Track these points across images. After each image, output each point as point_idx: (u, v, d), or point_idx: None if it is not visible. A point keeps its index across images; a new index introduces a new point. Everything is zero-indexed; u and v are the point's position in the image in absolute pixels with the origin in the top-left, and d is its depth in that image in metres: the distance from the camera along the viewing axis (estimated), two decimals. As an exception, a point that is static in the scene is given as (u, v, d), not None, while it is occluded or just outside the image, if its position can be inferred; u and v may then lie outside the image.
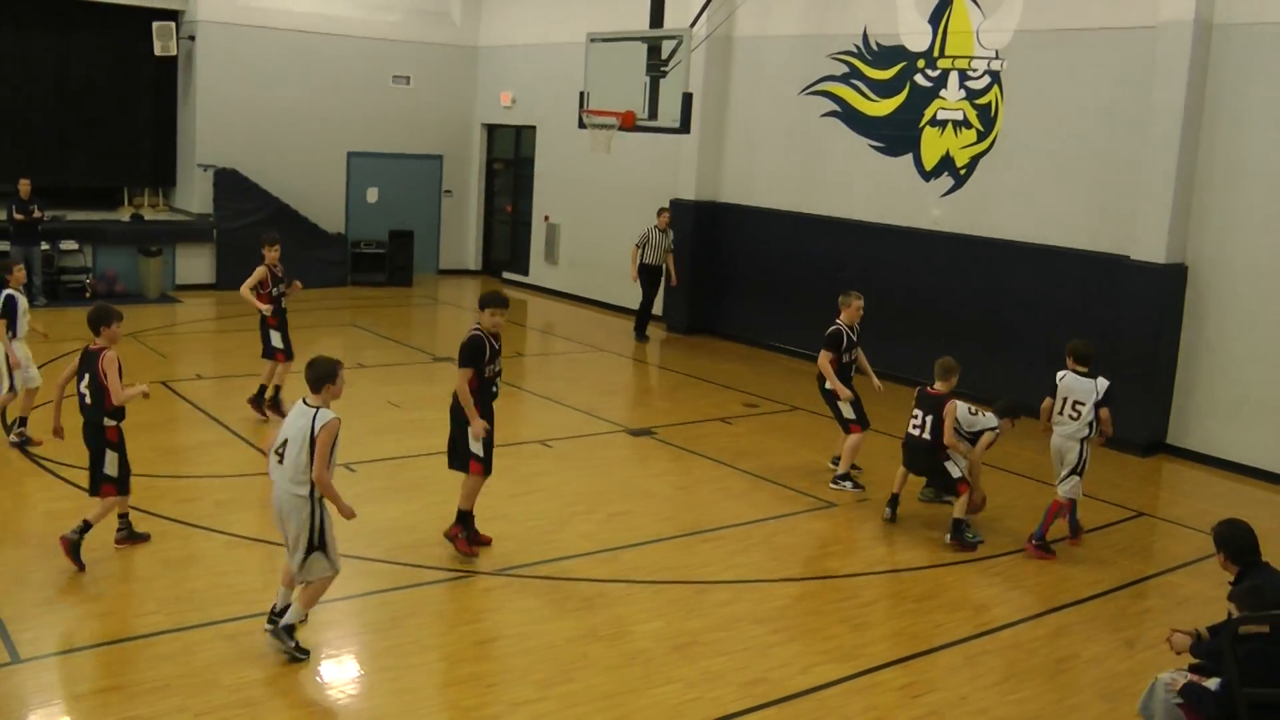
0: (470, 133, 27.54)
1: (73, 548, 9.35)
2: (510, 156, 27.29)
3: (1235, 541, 7.45)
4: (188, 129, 24.22)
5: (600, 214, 24.11)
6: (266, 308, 13.97)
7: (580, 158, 22.64)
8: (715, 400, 16.65)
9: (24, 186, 20.23)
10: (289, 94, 24.60)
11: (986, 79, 16.94)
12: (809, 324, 18.99)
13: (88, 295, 21.38)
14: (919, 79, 17.85)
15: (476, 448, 10.01)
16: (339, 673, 8.15)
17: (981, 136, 17.03)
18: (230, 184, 23.52)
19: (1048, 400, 11.27)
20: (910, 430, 11.49)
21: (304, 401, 8.07)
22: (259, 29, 24.05)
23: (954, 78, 17.37)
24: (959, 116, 17.31)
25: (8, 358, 12.47)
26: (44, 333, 13.27)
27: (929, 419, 11.31)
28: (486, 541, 10.38)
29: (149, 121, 24.60)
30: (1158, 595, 10.53)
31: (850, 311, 12.80)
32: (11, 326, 12.42)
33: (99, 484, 9.61)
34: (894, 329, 17.23)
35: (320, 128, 25.08)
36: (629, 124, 16.71)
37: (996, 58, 16.79)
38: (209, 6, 23.57)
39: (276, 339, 14.18)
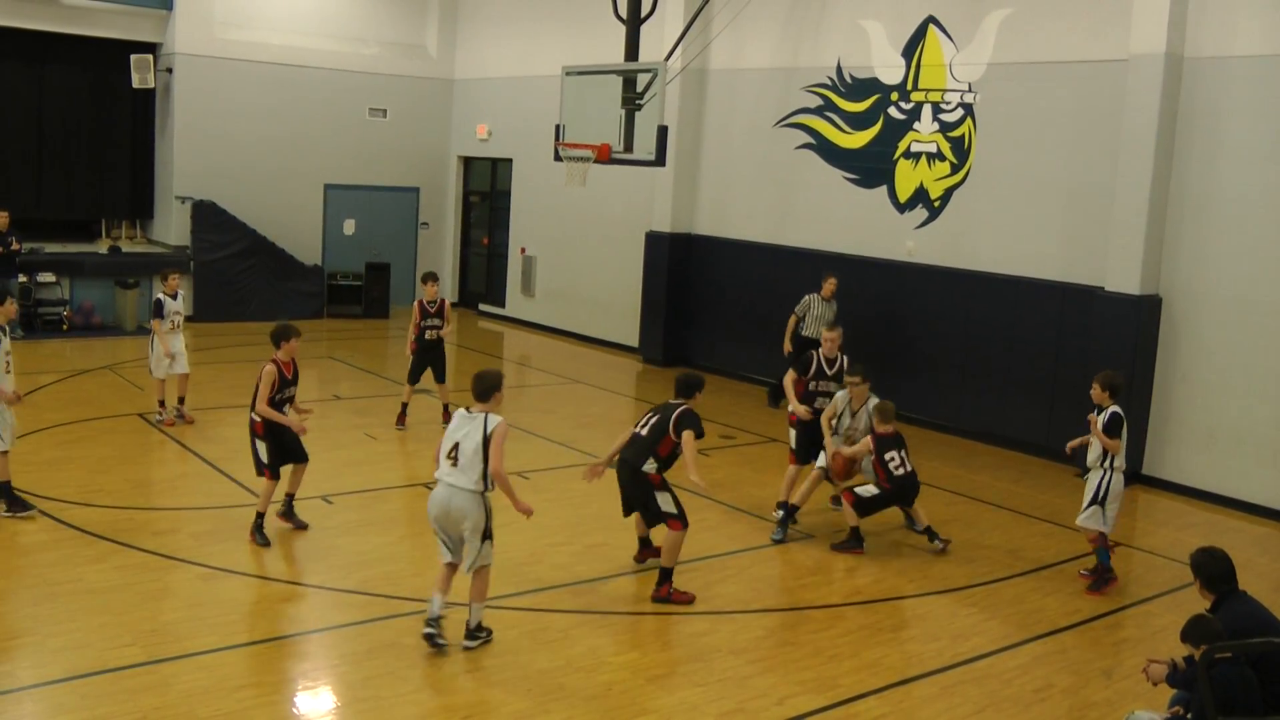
0: (446, 165, 27.61)
1: (256, 532, 11.05)
2: (486, 189, 27.35)
3: (1211, 570, 7.46)
4: (165, 161, 24.23)
5: (576, 246, 24.18)
6: (409, 351, 15.69)
7: (556, 190, 22.71)
8: (692, 431, 16.63)
9: (1, 219, 20.22)
10: (266, 126, 24.65)
11: (960, 111, 17.07)
12: (784, 356, 19.10)
13: (65, 328, 21.35)
14: (893, 111, 17.99)
15: (670, 506, 10.23)
16: (315, 704, 8.12)
17: (955, 169, 17.16)
18: (208, 216, 23.51)
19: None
20: (897, 472, 11.65)
21: (467, 410, 8.97)
22: (237, 62, 24.11)
23: (927, 110, 17.51)
24: (933, 149, 17.43)
25: (155, 348, 15.19)
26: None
27: (903, 453, 11.71)
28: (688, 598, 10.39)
29: (126, 154, 24.59)
30: (1134, 625, 10.57)
31: (826, 344, 12.81)
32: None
33: (259, 468, 11.16)
34: (869, 361, 17.20)
35: (297, 160, 25.13)
36: (604, 157, 16.78)
37: (969, 90, 16.93)
38: (187, 39, 23.62)
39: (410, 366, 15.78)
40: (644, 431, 10.28)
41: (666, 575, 10.23)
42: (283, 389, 11.07)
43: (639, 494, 10.31)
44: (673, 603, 10.11)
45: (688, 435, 10.07)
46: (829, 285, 17.41)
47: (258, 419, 11.02)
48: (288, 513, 11.47)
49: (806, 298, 17.55)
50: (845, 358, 12.75)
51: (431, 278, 15.91)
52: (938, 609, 10.57)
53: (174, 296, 15.35)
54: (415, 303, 15.80)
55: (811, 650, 9.42)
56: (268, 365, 10.99)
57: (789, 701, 8.45)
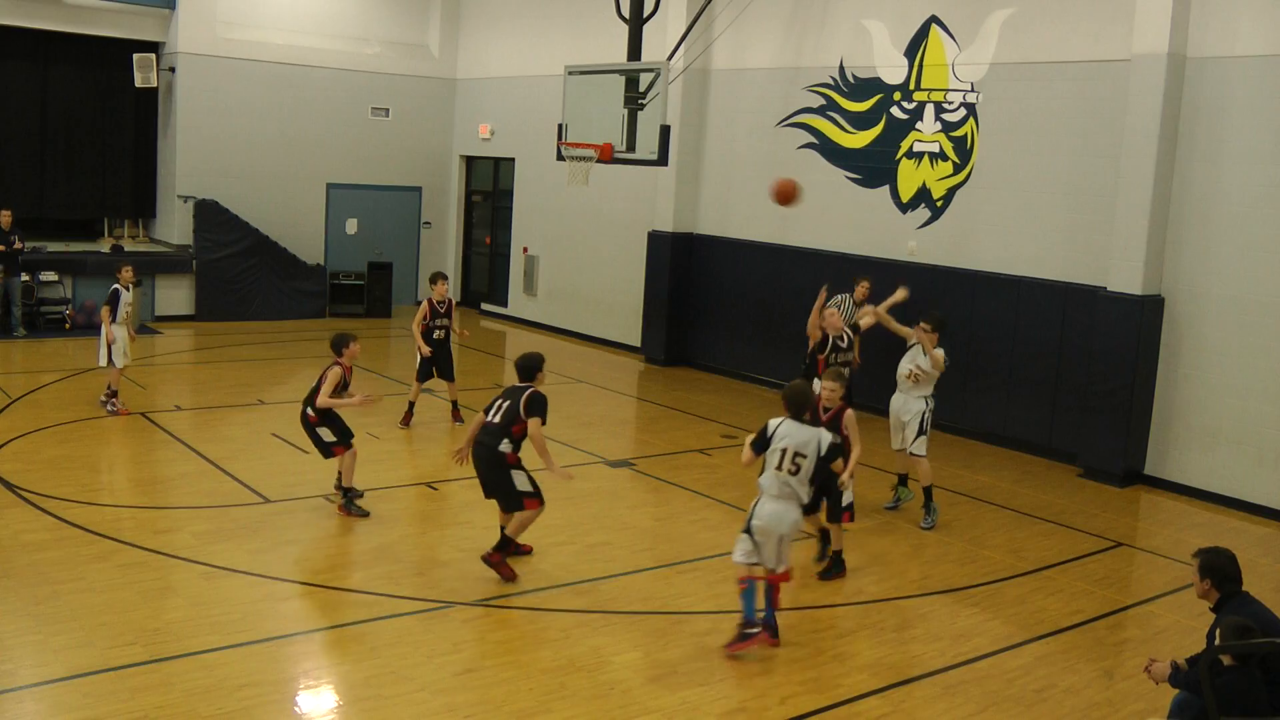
0: (449, 164, 27.62)
1: (349, 505, 11.97)
2: (489, 188, 27.33)
3: (1220, 569, 7.40)
4: (168, 160, 24.24)
5: (579, 246, 24.17)
6: (426, 349, 15.73)
7: (558, 190, 22.74)
8: (693, 432, 16.67)
9: (4, 217, 20.27)
10: (269, 126, 24.67)
11: (962, 111, 17.07)
12: (787, 355, 19.09)
13: (67, 326, 21.35)
14: (895, 111, 17.98)
15: (526, 485, 10.48)
16: (316, 703, 8.12)
17: (958, 168, 17.15)
18: (210, 215, 23.53)
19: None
20: None
21: None
22: (239, 61, 24.12)
23: (930, 110, 17.50)
24: (935, 149, 17.42)
25: (107, 336, 15.45)
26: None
27: None
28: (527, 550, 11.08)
29: (129, 153, 24.60)
30: (1135, 625, 10.55)
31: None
32: (113, 313, 15.49)
33: (327, 451, 12.08)
34: (871, 361, 17.18)
35: (300, 159, 25.14)
36: (607, 156, 16.78)
37: (972, 90, 16.92)
38: (189, 38, 23.63)
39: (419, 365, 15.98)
40: (497, 419, 10.45)
41: (506, 544, 10.50)
42: (343, 390, 11.94)
43: (496, 475, 10.43)
44: (496, 572, 10.33)
45: (534, 422, 10.35)
46: (861, 289, 16.52)
47: (313, 413, 11.85)
48: (346, 502, 12.12)
49: (838, 297, 16.54)
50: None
51: (440, 277, 16.03)
52: (939, 609, 10.56)
53: (127, 289, 15.78)
54: (425, 301, 15.93)
55: (813, 650, 9.42)
56: (334, 367, 11.84)
57: (790, 701, 8.45)
